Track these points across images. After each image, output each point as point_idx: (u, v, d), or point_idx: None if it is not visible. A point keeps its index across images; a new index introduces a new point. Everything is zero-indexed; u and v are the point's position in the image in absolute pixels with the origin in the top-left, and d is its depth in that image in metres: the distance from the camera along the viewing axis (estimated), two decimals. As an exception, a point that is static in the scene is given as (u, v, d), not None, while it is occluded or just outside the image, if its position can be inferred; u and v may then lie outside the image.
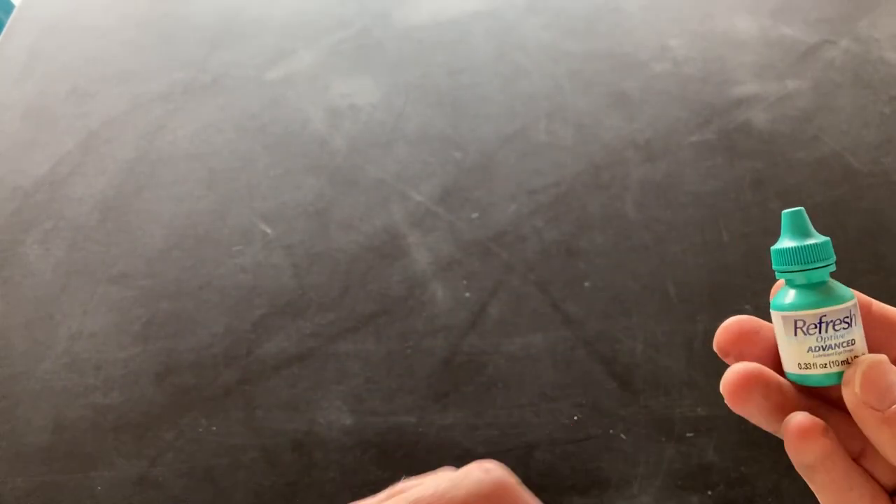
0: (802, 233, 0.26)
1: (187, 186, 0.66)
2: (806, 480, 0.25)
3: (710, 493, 0.46)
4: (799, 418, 0.24)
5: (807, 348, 0.25)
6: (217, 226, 0.63)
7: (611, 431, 0.49)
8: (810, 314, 0.25)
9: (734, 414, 0.26)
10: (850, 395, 0.24)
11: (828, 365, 0.25)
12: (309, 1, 0.83)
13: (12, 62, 0.79)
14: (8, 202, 0.66)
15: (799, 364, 0.25)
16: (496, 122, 0.69)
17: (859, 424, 0.24)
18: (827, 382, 0.25)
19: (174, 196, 0.65)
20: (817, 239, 0.25)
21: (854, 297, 0.25)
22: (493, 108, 0.70)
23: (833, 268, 0.25)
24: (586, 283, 0.57)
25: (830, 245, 0.25)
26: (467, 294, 0.57)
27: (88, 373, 0.54)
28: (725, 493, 0.46)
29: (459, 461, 0.51)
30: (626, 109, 0.69)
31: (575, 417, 0.50)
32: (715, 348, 0.27)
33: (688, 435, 0.49)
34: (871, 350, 0.26)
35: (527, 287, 0.57)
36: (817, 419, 0.24)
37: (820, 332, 0.25)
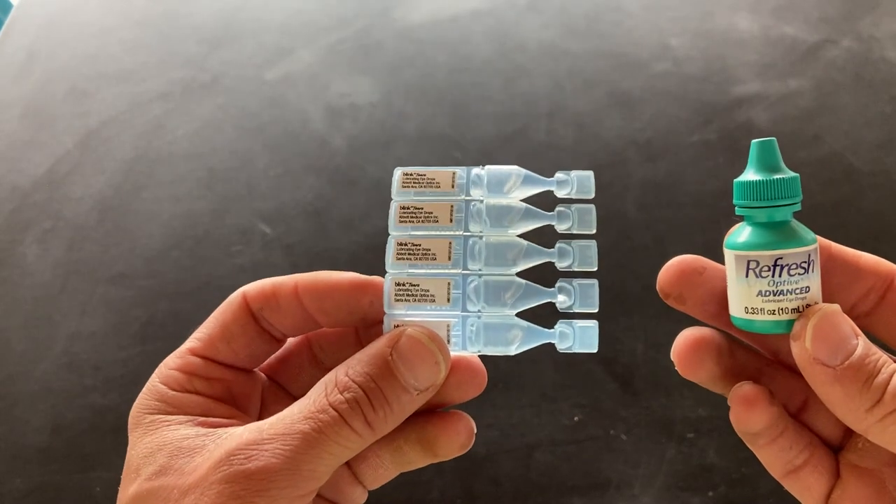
0: (770, 166, 0.23)
1: (186, 186, 0.66)
2: (747, 444, 0.24)
3: (711, 493, 0.46)
4: (745, 389, 0.23)
5: (756, 292, 0.23)
6: (216, 226, 0.62)
7: (611, 432, 0.49)
8: (766, 255, 0.23)
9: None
10: (799, 350, 0.22)
11: (777, 311, 0.22)
12: (309, 1, 0.83)
13: (10, 61, 0.79)
14: (6, 202, 0.66)
15: (746, 308, 0.23)
16: (496, 122, 0.69)
17: (809, 381, 0.22)
18: (774, 330, 0.23)
19: (173, 196, 0.65)
20: (785, 174, 0.23)
21: (815, 242, 0.23)
22: (493, 108, 0.70)
23: (798, 207, 0.23)
24: (587, 284, 0.57)
25: (798, 182, 0.23)
26: (467, 294, 0.57)
27: (87, 373, 0.54)
28: (726, 493, 0.46)
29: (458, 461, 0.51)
30: (626, 109, 0.69)
31: (575, 418, 0.50)
32: (657, 289, 0.25)
33: (689, 435, 0.49)
34: (829, 295, 0.24)
35: (527, 287, 0.57)
36: (763, 389, 0.23)
37: (773, 276, 0.22)
